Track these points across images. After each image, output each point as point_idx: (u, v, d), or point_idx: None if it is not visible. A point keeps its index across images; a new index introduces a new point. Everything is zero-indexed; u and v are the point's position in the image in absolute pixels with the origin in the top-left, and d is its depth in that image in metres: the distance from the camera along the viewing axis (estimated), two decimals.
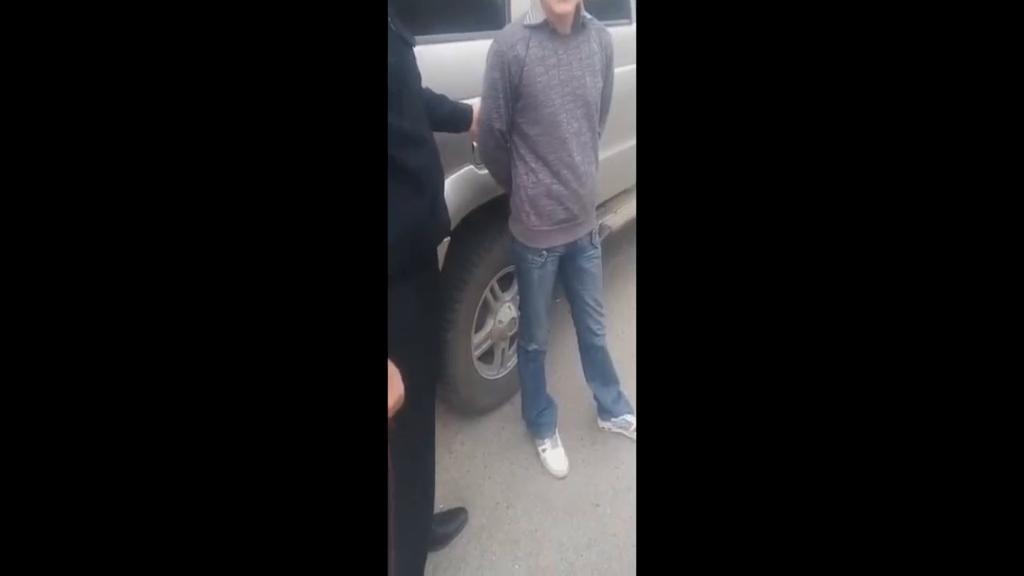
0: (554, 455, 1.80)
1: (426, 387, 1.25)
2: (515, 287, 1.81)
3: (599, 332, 1.72)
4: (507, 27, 1.37)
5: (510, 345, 1.99)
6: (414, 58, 1.10)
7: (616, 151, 2.20)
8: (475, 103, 1.41)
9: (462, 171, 1.54)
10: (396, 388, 0.86)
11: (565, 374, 2.13)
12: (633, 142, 2.31)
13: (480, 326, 1.84)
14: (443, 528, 1.55)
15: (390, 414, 0.84)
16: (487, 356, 1.94)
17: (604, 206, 2.34)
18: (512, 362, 2.00)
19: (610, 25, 1.67)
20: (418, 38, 1.19)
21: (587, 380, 1.86)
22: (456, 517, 1.60)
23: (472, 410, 1.95)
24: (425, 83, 1.22)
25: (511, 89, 1.30)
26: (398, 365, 0.85)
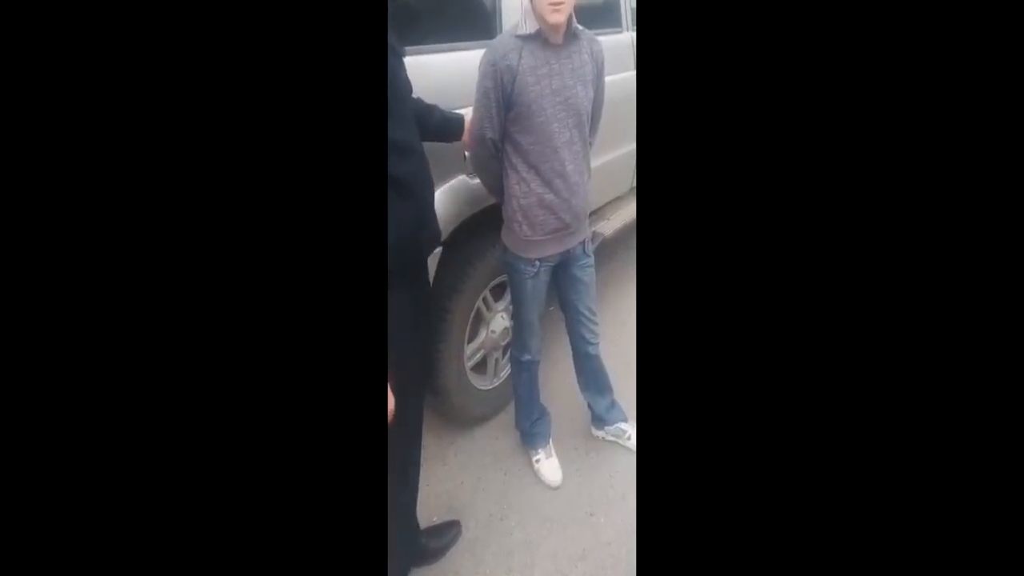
0: (548, 465, 1.79)
1: (414, 399, 1.24)
2: (508, 297, 1.80)
3: (593, 341, 1.71)
4: (499, 37, 1.38)
5: (503, 355, 1.98)
6: (403, 67, 1.10)
7: (608, 159, 2.21)
8: (467, 113, 1.41)
9: (454, 181, 1.54)
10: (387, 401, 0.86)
11: (559, 383, 2.12)
12: (624, 150, 2.32)
13: (473, 336, 1.83)
14: (436, 541, 1.53)
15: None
16: (480, 366, 1.93)
17: (596, 213, 2.35)
18: (505, 372, 1.99)
19: (601, 34, 1.68)
20: (410, 48, 1.19)
21: (581, 389, 1.86)
22: (449, 530, 1.58)
23: (465, 420, 1.94)
24: (417, 93, 1.22)
25: (503, 99, 1.30)
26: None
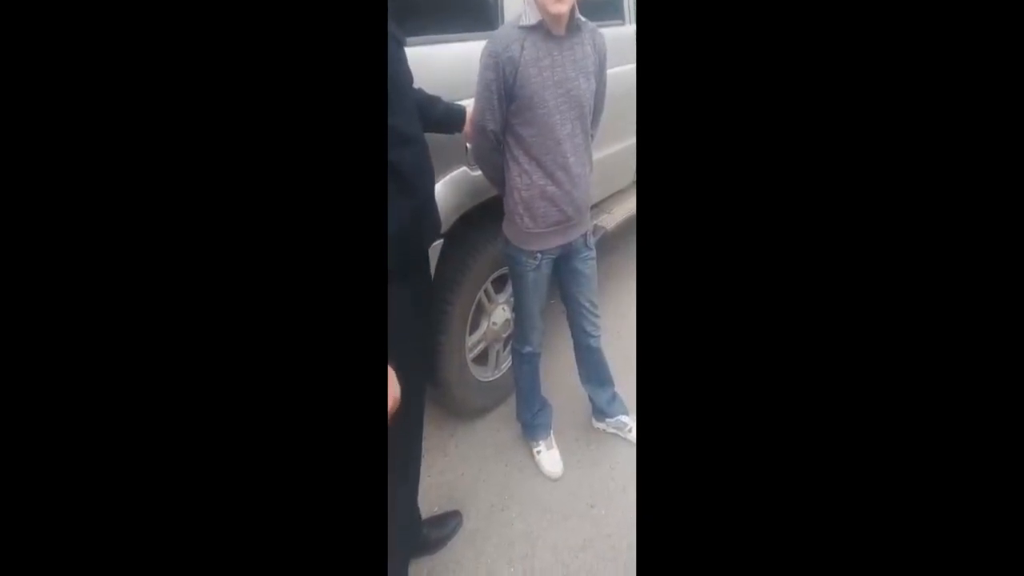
0: (549, 457, 1.80)
1: (415, 391, 1.24)
2: (509, 289, 1.80)
3: (594, 333, 1.72)
4: (501, 28, 1.37)
5: (504, 347, 1.99)
6: (404, 56, 1.09)
7: (610, 152, 2.20)
8: (468, 104, 1.41)
9: (455, 173, 1.54)
10: (391, 391, 0.86)
11: (560, 375, 2.13)
12: (626, 143, 2.31)
13: (474, 328, 1.84)
14: (437, 532, 1.54)
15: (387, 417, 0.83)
16: (481, 358, 1.93)
17: (598, 206, 2.34)
18: (506, 364, 1.99)
19: (603, 26, 1.67)
20: (411, 39, 1.19)
21: (582, 381, 1.86)
22: (450, 520, 1.59)
23: (466, 412, 1.95)
24: (418, 84, 1.21)
25: (505, 90, 1.30)
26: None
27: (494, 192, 1.57)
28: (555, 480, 1.76)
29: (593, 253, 1.63)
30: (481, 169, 1.51)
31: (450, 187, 1.52)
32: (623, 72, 2.06)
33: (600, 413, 1.89)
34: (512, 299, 1.75)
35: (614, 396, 1.87)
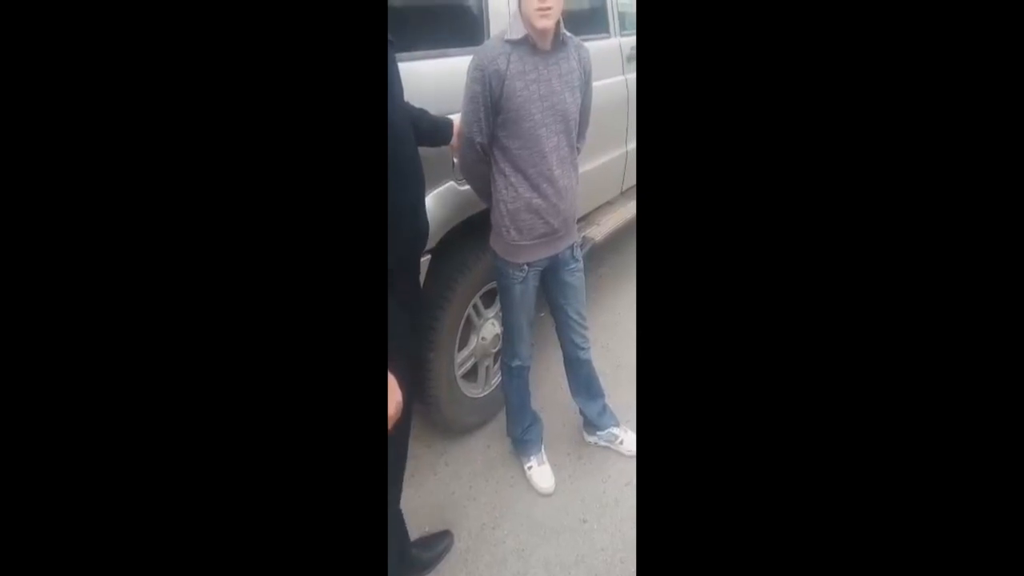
0: (540, 472, 1.78)
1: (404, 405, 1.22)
2: (498, 303, 1.79)
3: (583, 346, 1.71)
4: (487, 42, 1.38)
5: (494, 362, 1.97)
6: (394, 57, 1.09)
7: (596, 164, 2.21)
8: (456, 119, 1.41)
9: (443, 187, 1.53)
10: (395, 395, 0.84)
11: (550, 389, 2.12)
12: (612, 155, 2.33)
13: (463, 344, 1.82)
14: (428, 552, 1.51)
15: (390, 423, 0.82)
16: (471, 374, 1.91)
17: (586, 219, 2.35)
18: (496, 379, 1.97)
19: (588, 39, 1.69)
20: (398, 55, 1.19)
21: (572, 394, 1.85)
22: (441, 540, 1.56)
23: (456, 429, 1.92)
24: (405, 99, 1.21)
25: (492, 103, 1.30)
26: None
27: (482, 207, 1.57)
28: (547, 496, 1.73)
29: (581, 265, 1.63)
30: (468, 181, 1.51)
31: (438, 201, 1.51)
32: (608, 85, 2.07)
33: (591, 426, 1.88)
34: (501, 313, 1.74)
35: (604, 408, 1.86)
